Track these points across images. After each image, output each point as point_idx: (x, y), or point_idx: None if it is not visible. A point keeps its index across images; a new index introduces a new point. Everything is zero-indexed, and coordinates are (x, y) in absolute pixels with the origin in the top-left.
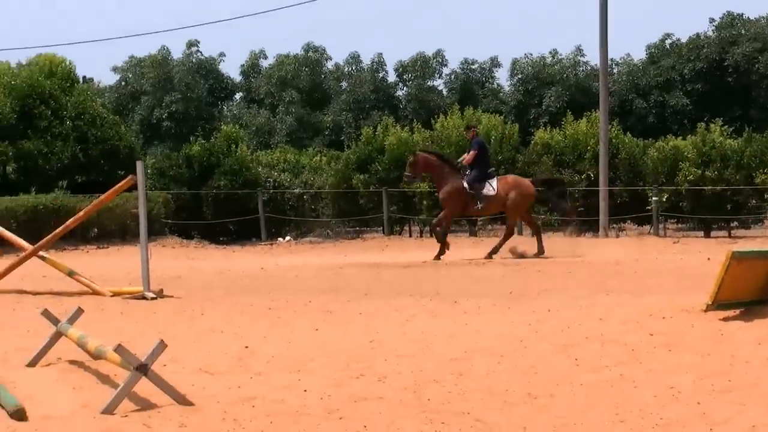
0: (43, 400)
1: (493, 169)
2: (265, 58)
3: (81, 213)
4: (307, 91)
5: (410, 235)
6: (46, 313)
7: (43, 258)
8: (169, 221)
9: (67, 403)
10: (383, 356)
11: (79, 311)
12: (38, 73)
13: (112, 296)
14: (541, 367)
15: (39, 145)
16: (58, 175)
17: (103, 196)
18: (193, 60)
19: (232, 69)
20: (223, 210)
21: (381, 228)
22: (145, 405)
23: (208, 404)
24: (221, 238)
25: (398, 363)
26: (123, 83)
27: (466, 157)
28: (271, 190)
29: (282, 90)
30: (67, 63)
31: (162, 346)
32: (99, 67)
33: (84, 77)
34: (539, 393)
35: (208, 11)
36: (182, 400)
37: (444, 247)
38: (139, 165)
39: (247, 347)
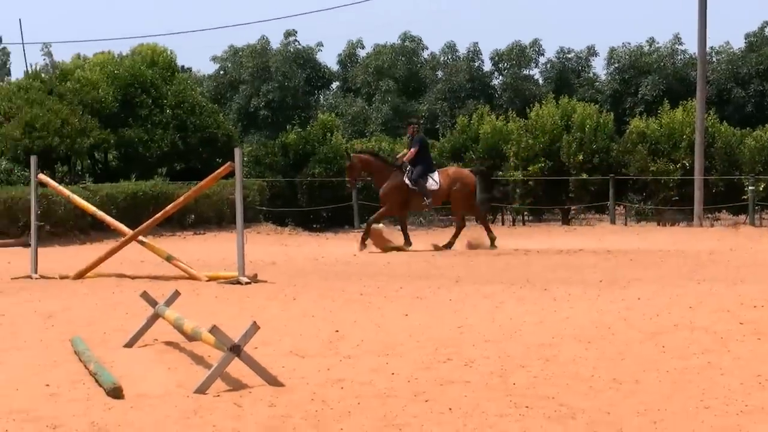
0: (139, 379)
1: (434, 164)
2: (362, 47)
3: (180, 199)
4: (403, 81)
5: (502, 224)
6: (144, 296)
7: (142, 243)
8: (264, 208)
9: (162, 382)
10: (471, 341)
11: (176, 294)
12: (140, 63)
13: (207, 281)
14: (628, 354)
15: (140, 133)
16: (157, 162)
17: (201, 183)
18: (291, 50)
19: (329, 58)
20: (318, 197)
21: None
22: (237, 385)
23: (298, 385)
24: (315, 225)
25: (486, 348)
26: (222, 72)
27: (408, 154)
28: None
29: (378, 79)
30: (168, 53)
31: (255, 327)
32: (199, 56)
33: (183, 67)
34: (625, 379)
35: (306, 1)
36: (273, 381)
37: (371, 238)
38: (237, 152)
39: (337, 331)
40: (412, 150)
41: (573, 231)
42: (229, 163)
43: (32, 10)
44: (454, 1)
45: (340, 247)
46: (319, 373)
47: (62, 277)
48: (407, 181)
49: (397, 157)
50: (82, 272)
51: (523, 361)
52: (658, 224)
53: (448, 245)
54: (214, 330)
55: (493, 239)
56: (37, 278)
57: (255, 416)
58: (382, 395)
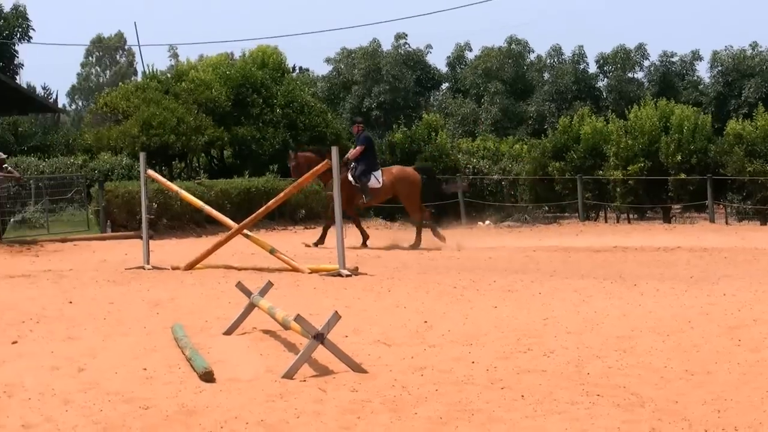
0: (232, 364)
1: (378, 162)
2: (470, 50)
3: (281, 194)
4: (510, 82)
5: (605, 221)
6: (240, 286)
7: (247, 236)
8: (373, 204)
9: (253, 367)
10: (553, 333)
11: (269, 284)
12: (251, 64)
13: (310, 273)
14: (703, 347)
15: (252, 131)
16: (269, 159)
17: (300, 179)
18: (401, 52)
19: (438, 60)
20: (424, 194)
21: (576, 214)
22: (322, 371)
23: (381, 372)
24: (424, 222)
25: (566, 339)
26: (335, 73)
27: (352, 152)
28: (471, 176)
29: (487, 81)
30: (278, 54)
31: (336, 317)
32: (313, 58)
33: (300, 67)
34: (696, 370)
35: (416, 4)
36: (357, 368)
37: (323, 236)
38: (333, 151)
39: (426, 322)
40: (358, 148)
41: (673, 229)
42: (326, 161)
43: (156, 12)
44: (560, 5)
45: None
46: (402, 361)
47: (173, 268)
48: (350, 178)
49: (346, 156)
50: (192, 264)
51: (600, 352)
52: (762, 224)
53: (415, 245)
54: (298, 319)
55: (417, 245)
56: (149, 269)
57: (336, 400)
58: (460, 382)
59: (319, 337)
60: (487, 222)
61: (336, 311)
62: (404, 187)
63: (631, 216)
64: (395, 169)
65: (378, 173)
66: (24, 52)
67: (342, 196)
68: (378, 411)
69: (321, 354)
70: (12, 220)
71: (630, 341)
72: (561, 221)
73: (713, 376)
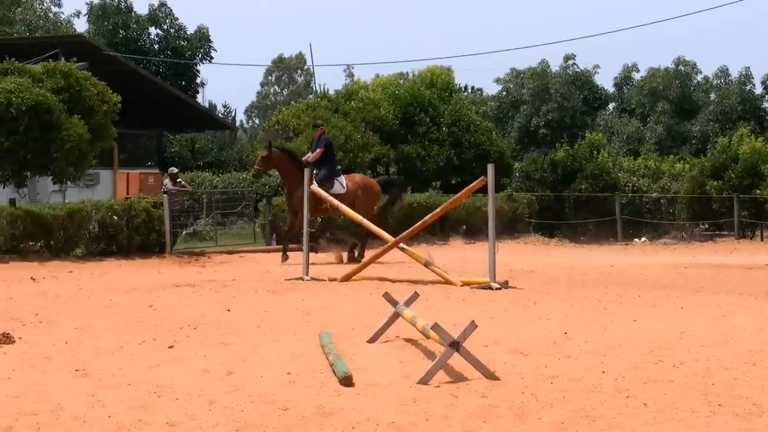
0: (372, 370)
1: (339, 167)
2: (637, 71)
3: (438, 210)
4: (676, 102)
5: (761, 239)
6: (386, 296)
7: (403, 249)
8: (533, 220)
9: (391, 373)
10: (687, 346)
11: (415, 295)
12: (420, 84)
13: (461, 286)
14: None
15: (417, 148)
16: (433, 176)
17: (457, 195)
18: (570, 72)
19: (606, 81)
20: (584, 211)
21: (732, 232)
22: (457, 378)
23: (513, 380)
24: (581, 238)
25: (698, 352)
26: (504, 93)
27: (311, 155)
28: (630, 194)
29: (653, 101)
30: (447, 74)
31: (473, 326)
32: (483, 78)
33: (472, 87)
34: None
35: (585, 26)
36: (489, 375)
37: (285, 248)
38: (489, 168)
39: (565, 333)
40: (318, 150)
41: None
42: (482, 177)
43: (335, 33)
44: (727, 26)
45: (600, 258)
46: (536, 370)
47: (330, 280)
48: (314, 183)
49: (303, 159)
50: (348, 275)
51: (729, 364)
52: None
53: (359, 256)
54: (436, 327)
55: (361, 256)
56: (308, 280)
57: (465, 405)
58: (587, 390)
59: (455, 345)
60: (643, 239)
61: (473, 321)
62: (365, 197)
63: None
64: (358, 177)
65: (342, 179)
66: (206, 72)
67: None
68: (504, 416)
69: (457, 361)
70: (184, 232)
71: (761, 354)
72: (717, 239)
73: None
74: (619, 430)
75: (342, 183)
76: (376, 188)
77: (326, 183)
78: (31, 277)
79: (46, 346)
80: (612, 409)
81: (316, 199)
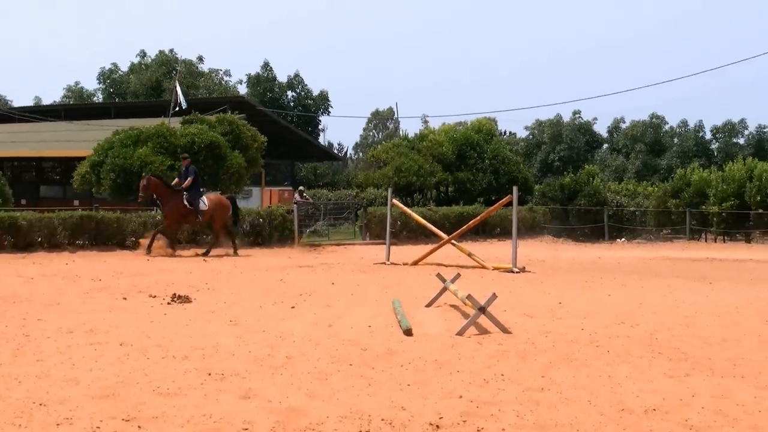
0: (426, 325)
1: (202, 189)
2: (624, 122)
3: (478, 217)
4: (650, 144)
5: (705, 241)
6: (438, 275)
7: (454, 244)
8: (547, 226)
9: (439, 328)
10: (642, 313)
11: (458, 275)
12: (471, 130)
13: (492, 270)
14: (742, 325)
15: (468, 175)
16: (478, 194)
17: (491, 208)
18: (576, 122)
19: (601, 128)
20: (583, 219)
21: (685, 235)
22: (482, 332)
23: (520, 333)
24: (580, 238)
25: (650, 317)
26: (531, 136)
27: (185, 182)
28: (614, 208)
29: (633, 143)
30: (490, 123)
31: (494, 296)
32: (517, 125)
33: (509, 132)
34: (731, 339)
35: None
36: (504, 330)
37: (151, 245)
38: (514, 189)
39: (560, 303)
40: (190, 179)
41: (751, 248)
42: (508, 195)
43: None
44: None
45: (593, 252)
46: (536, 327)
47: (404, 264)
48: (186, 203)
49: (174, 183)
50: (416, 261)
51: (670, 326)
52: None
53: (206, 253)
54: (469, 297)
55: (235, 252)
56: (388, 264)
57: (486, 350)
58: (570, 341)
59: (482, 310)
60: (623, 239)
61: (494, 293)
62: (219, 211)
63: (724, 238)
64: (212, 195)
65: (204, 198)
66: (327, 120)
67: (176, 216)
68: (511, 357)
69: (483, 320)
70: (307, 230)
71: (693, 320)
72: (674, 240)
73: (740, 343)
74: (588, 368)
75: (204, 201)
76: (227, 203)
77: (195, 202)
78: (204, 259)
79: (211, 305)
80: (585, 354)
81: (184, 213)
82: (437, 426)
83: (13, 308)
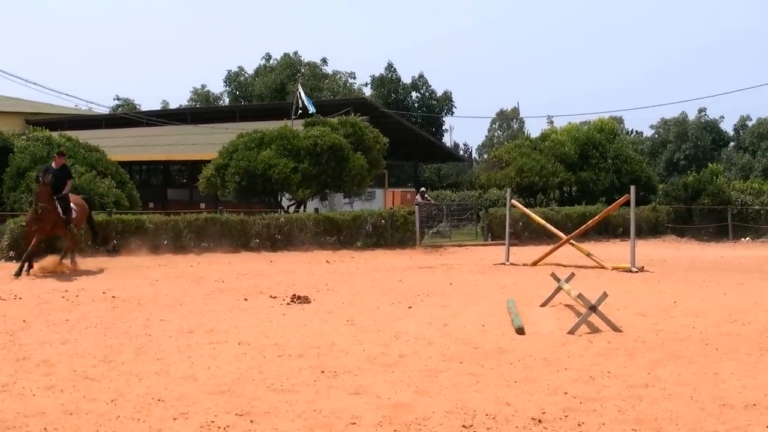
0: (538, 324)
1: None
2: (750, 120)
3: (597, 217)
4: None
5: None
6: (552, 275)
7: (572, 244)
8: (670, 225)
9: (551, 326)
10: (756, 311)
11: (572, 275)
12: (593, 129)
13: (611, 269)
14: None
15: (590, 174)
16: (600, 193)
17: (609, 207)
18: (702, 120)
19: (728, 126)
20: (706, 218)
21: None
22: (593, 330)
23: (631, 332)
24: (703, 237)
25: (763, 316)
26: (656, 135)
27: (66, 187)
28: (739, 207)
29: (761, 140)
30: (613, 123)
31: (604, 295)
32: (642, 124)
33: (635, 131)
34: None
35: (718, 85)
36: (615, 328)
37: (28, 262)
38: (632, 189)
39: (674, 302)
40: (69, 182)
41: None
42: (626, 195)
43: (540, 91)
44: None
45: (715, 252)
46: (648, 326)
47: (523, 265)
48: (59, 211)
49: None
50: (535, 261)
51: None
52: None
53: (63, 257)
54: (580, 296)
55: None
56: (508, 265)
57: (595, 347)
58: (680, 340)
59: (592, 308)
60: (748, 239)
61: (605, 291)
62: (81, 212)
63: None
64: (74, 198)
65: (72, 204)
66: (452, 121)
67: (47, 225)
68: (619, 355)
69: (595, 319)
70: (430, 231)
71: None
72: None
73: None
74: (694, 365)
75: (74, 207)
76: (86, 205)
77: (69, 211)
78: (326, 261)
79: (329, 305)
80: (693, 352)
81: (55, 220)
82: (539, 420)
83: (137, 309)
